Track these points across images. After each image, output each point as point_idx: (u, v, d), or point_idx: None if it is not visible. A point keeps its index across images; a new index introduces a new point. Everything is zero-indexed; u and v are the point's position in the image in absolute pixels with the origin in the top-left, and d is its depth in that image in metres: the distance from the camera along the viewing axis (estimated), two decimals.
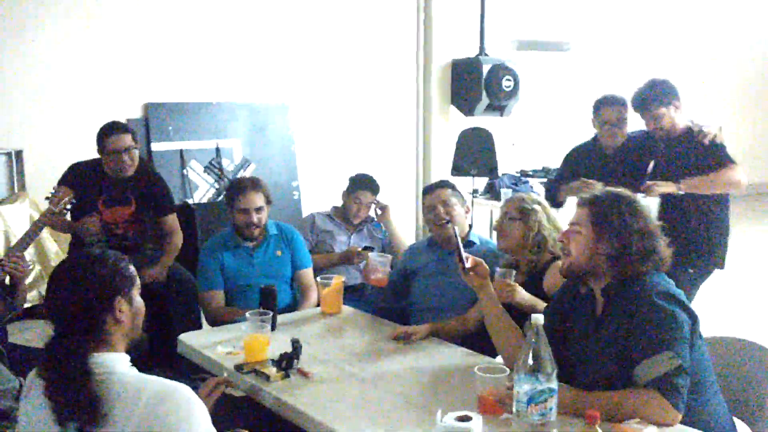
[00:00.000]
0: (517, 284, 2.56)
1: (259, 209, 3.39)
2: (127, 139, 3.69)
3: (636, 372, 1.93)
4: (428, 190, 3.32)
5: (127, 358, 1.76)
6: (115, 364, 1.70)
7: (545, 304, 2.45)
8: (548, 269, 2.72)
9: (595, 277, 2.11)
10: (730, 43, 9.66)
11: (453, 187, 3.32)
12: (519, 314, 2.47)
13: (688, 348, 1.95)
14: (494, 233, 3.01)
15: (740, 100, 10.11)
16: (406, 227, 6.12)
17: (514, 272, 2.60)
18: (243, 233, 3.41)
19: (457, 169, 5.45)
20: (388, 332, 2.76)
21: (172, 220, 3.97)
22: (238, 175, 5.79)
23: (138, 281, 1.83)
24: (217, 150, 5.89)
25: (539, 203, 2.84)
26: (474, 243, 3.24)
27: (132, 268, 1.82)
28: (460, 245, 2.41)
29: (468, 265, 2.37)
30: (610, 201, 2.10)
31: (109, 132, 3.69)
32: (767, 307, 5.43)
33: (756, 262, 6.88)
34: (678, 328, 1.94)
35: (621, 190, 2.18)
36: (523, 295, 2.54)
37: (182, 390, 1.65)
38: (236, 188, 3.45)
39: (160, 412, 1.60)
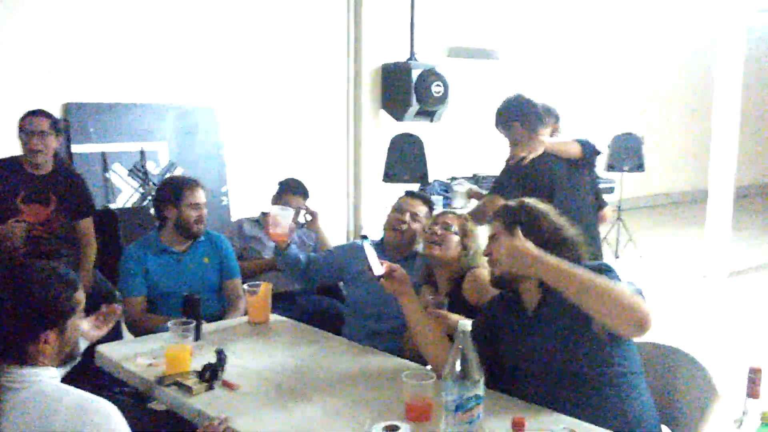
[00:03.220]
0: (449, 314, 2.52)
1: (205, 205, 3.34)
2: (43, 123, 3.61)
3: None
4: (411, 195, 3.32)
5: (55, 372, 1.72)
6: (37, 376, 1.65)
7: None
8: (465, 278, 2.76)
9: (523, 279, 2.17)
10: (659, 54, 9.96)
11: (431, 207, 3.30)
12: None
13: None
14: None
15: (670, 110, 10.46)
16: (337, 233, 6.08)
17: (446, 301, 2.59)
18: (191, 231, 3.30)
19: (389, 176, 5.46)
20: (317, 340, 2.73)
21: (88, 224, 3.84)
22: (168, 176, 5.63)
23: (81, 306, 1.76)
24: (142, 153, 5.73)
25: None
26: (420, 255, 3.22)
27: (79, 295, 1.75)
28: (369, 255, 2.39)
29: (382, 272, 2.36)
30: (515, 208, 2.28)
31: (28, 113, 3.63)
32: (688, 315, 5.61)
33: (681, 268, 7.12)
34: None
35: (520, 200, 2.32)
36: (454, 320, 2.47)
37: (102, 404, 1.62)
38: (183, 183, 3.37)
39: (78, 425, 1.56)
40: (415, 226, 3.17)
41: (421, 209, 3.23)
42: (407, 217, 3.17)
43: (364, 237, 2.55)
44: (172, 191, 3.35)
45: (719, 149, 6.64)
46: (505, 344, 2.22)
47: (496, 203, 3.32)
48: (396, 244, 3.18)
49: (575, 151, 3.60)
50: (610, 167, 7.41)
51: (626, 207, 7.69)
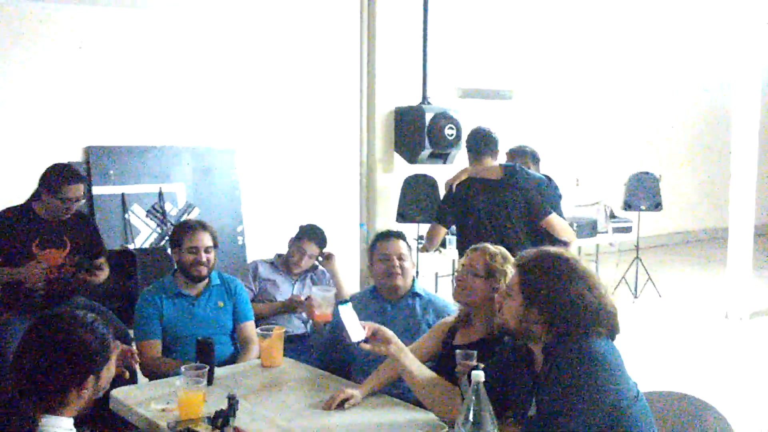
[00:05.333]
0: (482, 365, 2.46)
1: (207, 249, 3.34)
2: (82, 189, 3.66)
3: None
4: (386, 238, 3.25)
5: (70, 422, 1.71)
6: (56, 429, 1.65)
7: None
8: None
9: (530, 339, 2.02)
10: (676, 92, 9.95)
11: (407, 241, 3.29)
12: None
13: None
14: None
15: (687, 148, 10.42)
16: (351, 275, 6.08)
17: (475, 353, 2.42)
18: (191, 274, 3.32)
19: (403, 216, 5.46)
20: (329, 385, 2.71)
21: (102, 263, 3.89)
22: (182, 220, 5.70)
23: (114, 353, 1.77)
24: (160, 194, 5.80)
25: (510, 262, 2.62)
26: (420, 294, 3.17)
27: (113, 341, 1.77)
28: (347, 321, 2.27)
29: (362, 336, 2.26)
30: (541, 267, 2.00)
31: (68, 180, 3.60)
32: (706, 359, 5.51)
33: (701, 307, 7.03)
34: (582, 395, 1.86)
35: (555, 250, 2.07)
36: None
37: None
38: (184, 228, 3.41)
39: None
40: (406, 265, 3.15)
41: (403, 245, 3.20)
42: (396, 261, 3.13)
43: (342, 302, 2.40)
44: (175, 236, 3.41)
45: (738, 187, 6.59)
46: (514, 397, 2.09)
47: (440, 231, 4.12)
48: (393, 286, 3.14)
49: (495, 173, 4.07)
50: (627, 206, 7.37)
51: (644, 246, 7.63)
